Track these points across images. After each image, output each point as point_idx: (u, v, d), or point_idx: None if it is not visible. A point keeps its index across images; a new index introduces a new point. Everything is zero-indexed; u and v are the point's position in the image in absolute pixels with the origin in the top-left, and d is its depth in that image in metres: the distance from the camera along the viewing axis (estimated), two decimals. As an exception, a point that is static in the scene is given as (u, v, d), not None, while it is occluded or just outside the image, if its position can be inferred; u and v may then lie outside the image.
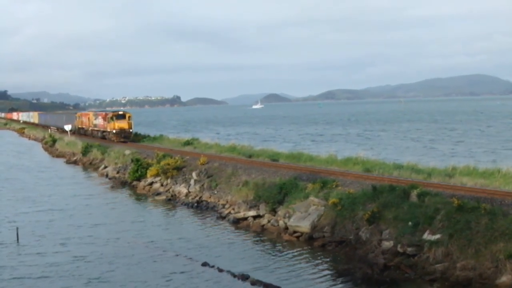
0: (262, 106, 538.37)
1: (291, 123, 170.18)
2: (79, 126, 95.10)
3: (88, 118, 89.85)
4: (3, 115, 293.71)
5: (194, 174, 42.74)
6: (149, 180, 47.00)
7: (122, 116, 75.37)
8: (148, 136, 79.94)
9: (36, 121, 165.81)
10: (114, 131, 73.19)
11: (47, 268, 24.91)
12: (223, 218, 34.07)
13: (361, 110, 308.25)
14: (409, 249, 23.00)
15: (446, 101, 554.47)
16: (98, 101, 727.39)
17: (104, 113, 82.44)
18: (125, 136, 72.82)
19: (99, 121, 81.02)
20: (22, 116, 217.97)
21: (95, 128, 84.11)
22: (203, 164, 43.69)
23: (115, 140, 71.49)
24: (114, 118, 74.49)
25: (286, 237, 28.96)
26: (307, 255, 25.98)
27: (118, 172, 54.43)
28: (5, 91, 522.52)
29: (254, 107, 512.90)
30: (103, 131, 78.56)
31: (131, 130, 74.57)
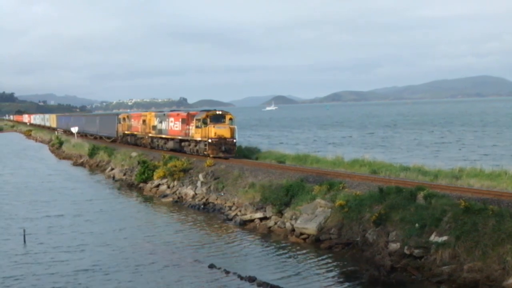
0: (276, 107, 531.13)
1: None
2: (126, 132, 71.98)
3: (145, 121, 64.39)
4: (12, 117, 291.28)
5: (200, 176, 42.80)
6: (156, 182, 47.08)
7: (221, 118, 48.86)
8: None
9: (54, 124, 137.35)
10: (209, 140, 46.96)
11: (50, 269, 25.00)
12: (230, 220, 34.10)
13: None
14: (416, 251, 22.96)
15: (456, 103, 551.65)
16: (104, 103, 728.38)
17: (184, 113, 55.07)
18: (227, 150, 47.26)
19: (173, 125, 55.76)
20: (35, 119, 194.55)
21: (161, 135, 58.78)
22: (210, 166, 43.72)
23: (210, 155, 46.63)
24: (208, 120, 48.07)
25: (292, 239, 28.96)
26: (313, 257, 25.98)
27: (124, 174, 54.55)
28: (12, 93, 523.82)
29: (268, 108, 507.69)
30: (182, 141, 53.63)
31: (234, 141, 48.56)
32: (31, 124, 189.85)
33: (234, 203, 36.85)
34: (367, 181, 32.10)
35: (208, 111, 49.89)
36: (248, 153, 52.45)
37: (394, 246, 24.09)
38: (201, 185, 41.86)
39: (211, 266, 24.49)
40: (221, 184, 40.19)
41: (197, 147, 50.09)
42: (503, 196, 25.18)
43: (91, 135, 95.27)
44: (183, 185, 43.86)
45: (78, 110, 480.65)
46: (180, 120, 53.78)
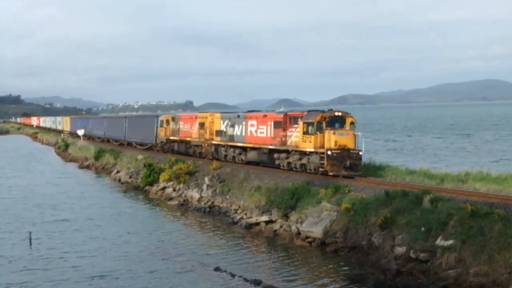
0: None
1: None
2: (172, 138, 58.63)
3: (203, 124, 51.14)
4: (19, 119, 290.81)
5: (206, 179, 42.83)
6: (162, 185, 47.14)
7: (341, 121, 36.75)
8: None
9: (67, 128, 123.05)
10: (328, 152, 34.66)
11: (53, 273, 25.06)
12: (235, 223, 34.11)
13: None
14: (422, 255, 22.92)
15: (465, 106, 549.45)
16: (110, 106, 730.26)
17: (279, 113, 41.28)
18: (352, 166, 35.13)
19: (256, 129, 42.66)
20: (45, 122, 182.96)
21: (234, 143, 45.43)
22: (216, 169, 43.76)
23: (329, 172, 34.81)
24: (324, 124, 35.84)
25: (298, 242, 28.96)
26: (319, 261, 25.99)
27: (130, 177, 54.65)
28: (18, 96, 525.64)
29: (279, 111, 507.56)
30: (274, 151, 40.25)
31: (360, 153, 35.81)
32: (40, 127, 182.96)
33: (239, 206, 36.86)
34: (373, 184, 32.05)
35: (322, 111, 36.81)
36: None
37: (400, 250, 24.06)
38: (207, 188, 41.90)
39: (217, 269, 24.51)
40: (227, 187, 40.20)
41: (305, 161, 37.16)
42: (510, 200, 25.11)
43: (116, 140, 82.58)
44: (189, 188, 43.90)
45: (84, 112, 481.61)
46: (271, 123, 40.56)
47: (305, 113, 37.96)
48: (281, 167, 39.50)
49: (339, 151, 34.98)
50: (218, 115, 49.76)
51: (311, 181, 34.24)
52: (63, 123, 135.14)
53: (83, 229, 33.79)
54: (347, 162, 34.94)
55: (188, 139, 54.27)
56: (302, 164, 37.63)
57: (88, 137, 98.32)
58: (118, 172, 59.28)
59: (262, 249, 28.62)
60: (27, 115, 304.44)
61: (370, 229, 26.50)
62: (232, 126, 45.84)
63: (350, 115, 37.04)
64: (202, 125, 51.28)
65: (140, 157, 58.92)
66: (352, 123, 36.91)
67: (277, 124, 40.00)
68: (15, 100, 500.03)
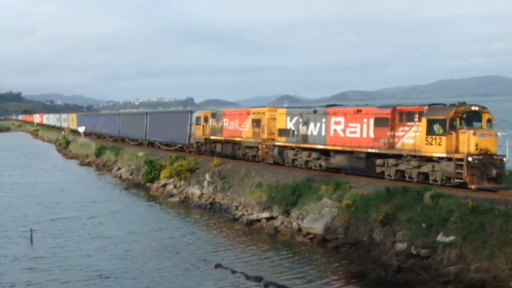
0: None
1: None
2: (213, 137, 49.91)
3: (258, 121, 43.06)
4: (20, 117, 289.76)
5: (207, 176, 42.83)
6: (163, 181, 47.16)
7: (477, 117, 29.56)
8: None
9: (74, 126, 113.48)
10: (469, 159, 27.45)
11: (52, 268, 25.12)
12: (236, 220, 34.13)
13: None
14: (423, 251, 22.93)
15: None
16: (111, 103, 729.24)
17: (372, 108, 33.66)
18: (495, 177, 27.67)
19: (341, 128, 34.81)
20: (48, 119, 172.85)
21: (309, 145, 37.34)
22: (216, 166, 43.74)
23: (471, 185, 27.54)
24: (458, 121, 28.75)
25: (299, 238, 28.98)
26: (320, 257, 26.02)
27: (131, 174, 54.66)
28: (19, 93, 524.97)
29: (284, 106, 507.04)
30: (373, 156, 32.74)
31: (504, 159, 28.33)
32: (43, 125, 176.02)
33: (240, 203, 36.87)
34: (373, 180, 32.02)
35: (454, 105, 29.24)
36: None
37: (401, 246, 24.07)
38: (208, 185, 41.90)
39: (218, 266, 24.55)
40: (228, 184, 40.21)
41: (427, 169, 29.56)
42: (511, 196, 25.11)
43: (134, 139, 74.76)
44: (190, 185, 43.91)
45: (85, 109, 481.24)
46: (371, 120, 32.47)
47: (426, 107, 30.05)
48: (386, 176, 31.38)
49: (481, 157, 27.40)
50: (283, 110, 41.56)
51: (312, 178, 34.24)
52: (69, 120, 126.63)
53: (84, 227, 33.84)
54: (492, 171, 27.29)
55: (237, 139, 45.88)
56: (421, 173, 29.95)
57: (98, 135, 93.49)
58: (119, 169, 59.29)
59: (263, 245, 28.62)
60: (27, 112, 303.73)
61: (371, 225, 26.51)
62: (306, 123, 37.28)
63: (487, 109, 29.53)
64: (257, 122, 43.17)
65: (140, 154, 58.91)
66: (489, 120, 29.27)
67: (380, 122, 31.70)
68: (16, 98, 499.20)
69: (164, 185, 46.54)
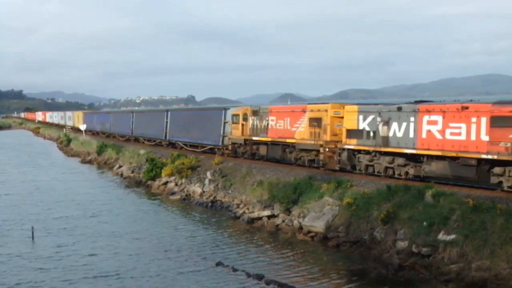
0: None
1: None
2: (255, 138, 43.38)
3: (318, 121, 37.18)
4: (22, 114, 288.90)
5: (208, 174, 42.84)
6: (164, 179, 47.17)
7: None
8: None
9: (80, 124, 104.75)
10: None
11: (53, 265, 25.14)
12: (238, 218, 34.13)
13: None
14: (424, 249, 22.92)
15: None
16: (113, 101, 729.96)
17: (483, 104, 27.35)
18: None
19: (438, 128, 28.89)
20: (52, 117, 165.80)
21: (385, 149, 32.01)
22: (218, 164, 43.75)
23: None
24: None
25: (300, 237, 28.98)
26: (321, 255, 26.01)
27: (132, 172, 54.70)
28: (21, 91, 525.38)
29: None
30: (500, 163, 25.74)
31: None
32: (46, 123, 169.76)
33: (242, 201, 36.87)
34: (375, 179, 32.01)
35: None
36: None
37: (402, 244, 24.06)
38: (209, 183, 41.91)
39: (219, 264, 24.55)
40: (229, 182, 40.21)
41: None
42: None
43: (150, 140, 68.54)
44: (191, 183, 43.92)
45: (86, 107, 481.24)
46: (483, 119, 26.64)
47: None
48: (506, 188, 25.51)
49: None
50: (353, 107, 34.93)
51: (313, 176, 34.23)
52: (74, 118, 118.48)
53: (85, 225, 33.82)
54: None
55: (288, 141, 39.53)
56: None
57: (107, 135, 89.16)
58: (120, 167, 59.33)
59: (264, 243, 28.62)
60: (29, 110, 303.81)
61: (372, 223, 26.50)
62: (386, 123, 31.69)
63: None
64: (317, 121, 37.08)
65: (142, 151, 58.96)
66: None
67: (498, 121, 25.77)
68: (18, 95, 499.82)
69: (166, 183, 46.56)
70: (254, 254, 26.56)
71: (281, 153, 40.58)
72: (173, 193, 43.42)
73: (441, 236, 22.98)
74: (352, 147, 33.80)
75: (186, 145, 56.96)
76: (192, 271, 24.03)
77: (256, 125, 43.06)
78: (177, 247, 28.03)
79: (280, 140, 40.31)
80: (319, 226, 28.50)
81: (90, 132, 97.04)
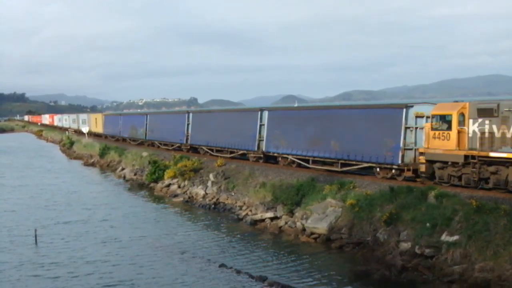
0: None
1: None
2: (493, 154, 25.93)
3: None
4: (26, 118, 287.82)
5: (211, 176, 42.85)
6: (167, 182, 47.20)
7: None
8: None
9: (99, 129, 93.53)
10: None
11: (55, 269, 25.16)
12: (241, 219, 34.14)
13: None
14: (427, 251, 22.91)
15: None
16: (115, 103, 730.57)
17: None
18: None
19: None
20: (61, 120, 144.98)
21: None
22: (220, 166, 43.76)
23: None
24: None
25: (303, 238, 28.98)
26: (324, 257, 26.01)
27: (135, 174, 54.74)
28: (23, 94, 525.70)
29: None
30: None
31: None
32: (55, 127, 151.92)
33: (244, 203, 36.87)
34: (377, 180, 32.02)
35: None
36: None
37: (405, 245, 24.05)
38: (212, 185, 41.93)
39: (222, 266, 24.57)
40: (232, 184, 40.22)
41: None
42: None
43: (167, 144, 62.01)
44: (194, 185, 43.94)
45: (88, 110, 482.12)
46: None
47: None
48: None
49: None
50: None
51: (316, 178, 34.24)
52: (91, 122, 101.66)
53: (87, 229, 33.88)
54: None
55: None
56: None
57: (131, 140, 76.00)
58: (123, 169, 59.39)
59: (267, 245, 28.63)
60: (31, 113, 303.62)
61: (375, 225, 26.49)
62: None
63: None
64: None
65: (144, 154, 58.99)
66: None
67: None
68: (20, 98, 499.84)
69: (168, 185, 46.58)
70: (257, 256, 26.57)
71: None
72: (176, 195, 43.43)
73: (444, 237, 22.97)
74: None
75: (212, 150, 51.26)
76: (195, 273, 24.05)
77: (494, 133, 26.61)
78: (180, 249, 28.05)
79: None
80: (322, 227, 28.51)
81: (113, 138, 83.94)
